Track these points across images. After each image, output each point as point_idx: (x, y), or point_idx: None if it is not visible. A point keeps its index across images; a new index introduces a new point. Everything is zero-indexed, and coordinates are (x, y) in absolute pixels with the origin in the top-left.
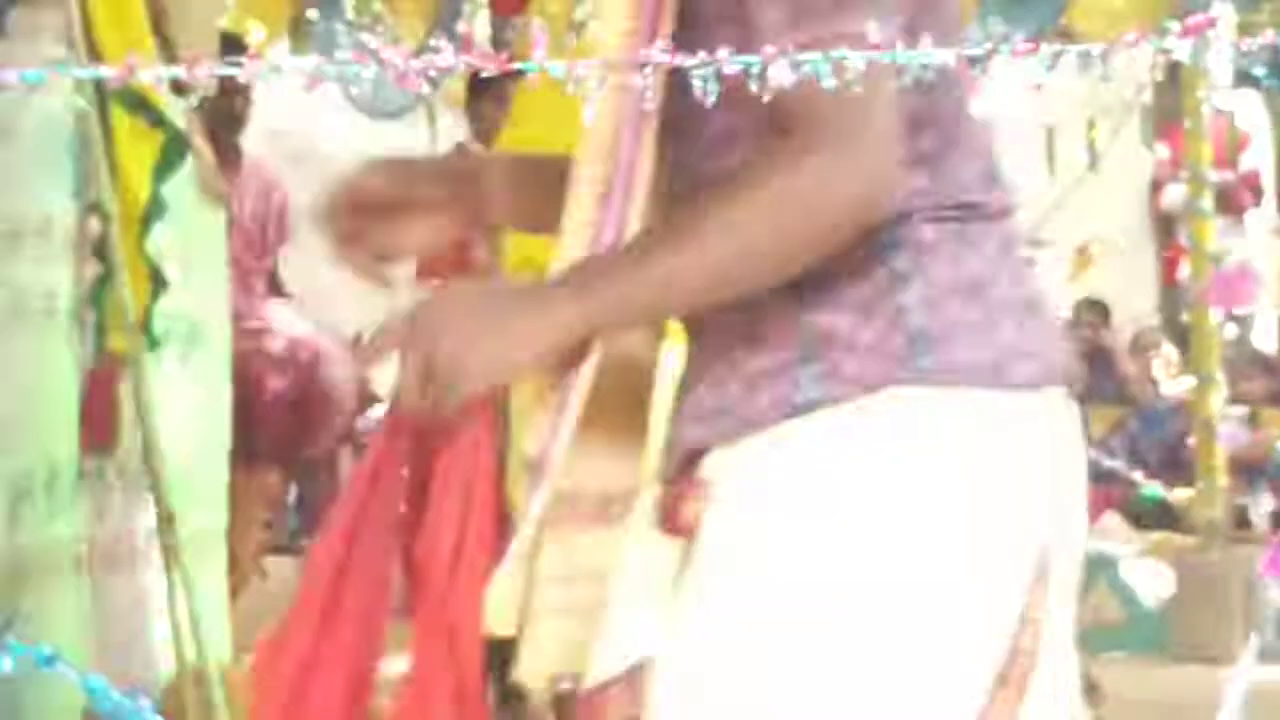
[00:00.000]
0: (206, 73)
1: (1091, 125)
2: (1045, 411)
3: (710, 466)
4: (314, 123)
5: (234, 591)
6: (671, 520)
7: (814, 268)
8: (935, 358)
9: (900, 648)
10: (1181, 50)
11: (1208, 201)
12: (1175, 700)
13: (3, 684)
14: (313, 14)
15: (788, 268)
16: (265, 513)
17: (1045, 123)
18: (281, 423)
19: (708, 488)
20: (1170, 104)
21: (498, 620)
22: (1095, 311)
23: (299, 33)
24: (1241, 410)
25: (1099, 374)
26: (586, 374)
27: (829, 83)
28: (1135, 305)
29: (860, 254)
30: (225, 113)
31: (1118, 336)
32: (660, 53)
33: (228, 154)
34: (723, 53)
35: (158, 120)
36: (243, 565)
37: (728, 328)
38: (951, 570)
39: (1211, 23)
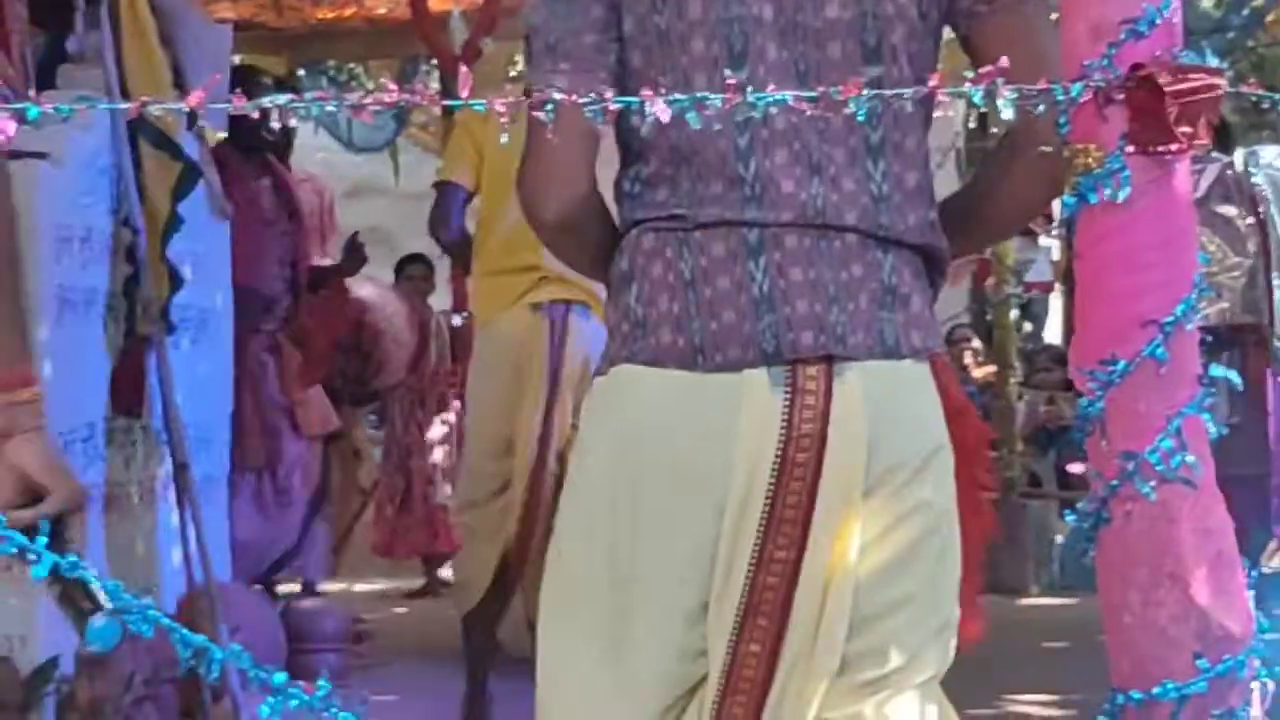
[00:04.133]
0: (209, 106)
1: None
2: (737, 388)
3: None
4: (307, 156)
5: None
6: None
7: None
8: (646, 342)
9: (572, 568)
10: (975, 95)
11: None
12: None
13: None
14: (300, 73)
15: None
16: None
17: None
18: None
19: None
20: (979, 147)
21: None
22: None
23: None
24: (1042, 394)
25: None
26: None
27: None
28: (949, 307)
29: (615, 260)
30: (279, 141)
31: None
32: (557, 93)
33: (282, 170)
34: (609, 93)
35: (177, 154)
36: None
37: None
38: (622, 498)
39: (1001, 72)
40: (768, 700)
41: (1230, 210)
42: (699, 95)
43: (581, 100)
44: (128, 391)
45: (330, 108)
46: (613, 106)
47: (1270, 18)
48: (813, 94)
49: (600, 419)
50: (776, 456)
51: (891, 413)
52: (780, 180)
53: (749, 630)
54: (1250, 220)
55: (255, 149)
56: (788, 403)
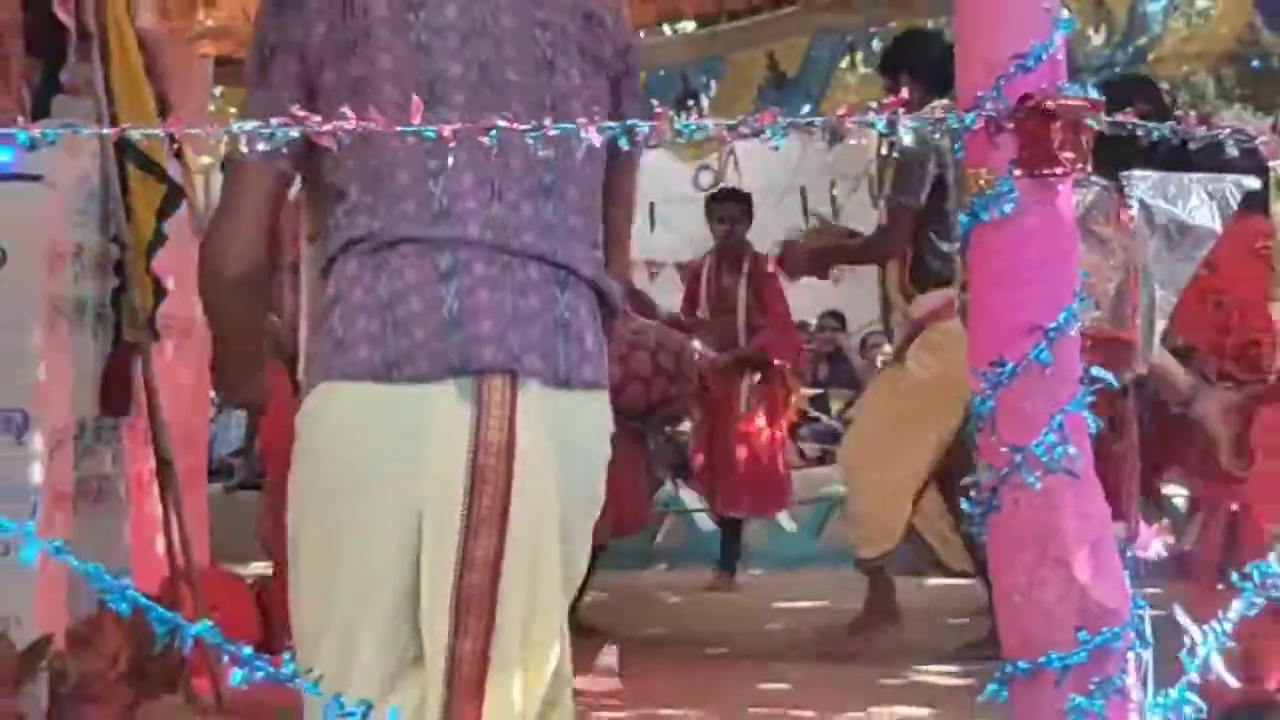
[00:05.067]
0: (180, 130)
1: (833, 185)
2: (427, 399)
3: None
4: None
5: None
6: None
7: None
8: (344, 358)
9: (309, 569)
10: (878, 123)
11: None
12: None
13: None
14: None
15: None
16: None
17: (800, 184)
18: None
19: None
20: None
21: None
22: (835, 319)
23: None
24: None
25: (837, 366)
26: None
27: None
28: (863, 315)
29: (325, 287)
30: None
31: (851, 339)
32: (502, 120)
33: None
34: (547, 121)
35: (161, 177)
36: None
37: None
38: (330, 507)
39: (902, 102)
40: (486, 697)
41: (1105, 230)
42: (630, 123)
43: (523, 128)
44: (116, 393)
45: (293, 133)
46: (552, 132)
47: (1152, 56)
48: (750, 125)
49: (309, 432)
50: (468, 463)
51: (564, 438)
52: (465, 198)
53: (463, 628)
54: (1123, 240)
55: None
56: (475, 413)
